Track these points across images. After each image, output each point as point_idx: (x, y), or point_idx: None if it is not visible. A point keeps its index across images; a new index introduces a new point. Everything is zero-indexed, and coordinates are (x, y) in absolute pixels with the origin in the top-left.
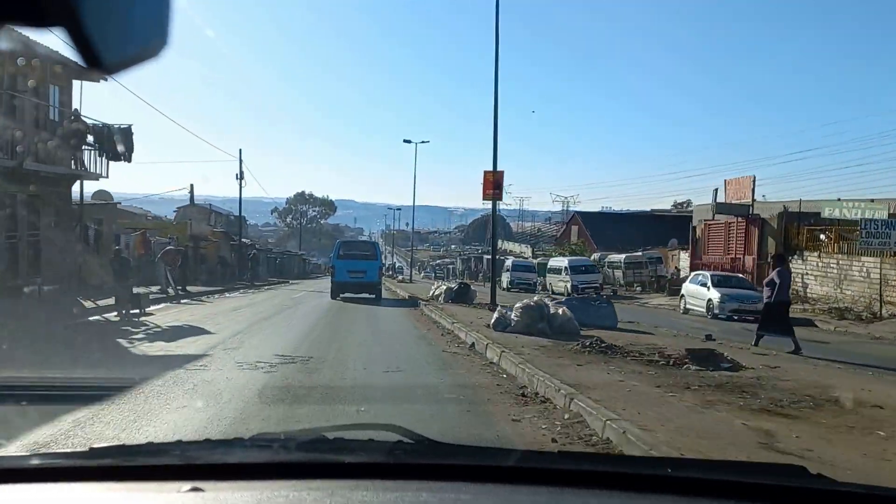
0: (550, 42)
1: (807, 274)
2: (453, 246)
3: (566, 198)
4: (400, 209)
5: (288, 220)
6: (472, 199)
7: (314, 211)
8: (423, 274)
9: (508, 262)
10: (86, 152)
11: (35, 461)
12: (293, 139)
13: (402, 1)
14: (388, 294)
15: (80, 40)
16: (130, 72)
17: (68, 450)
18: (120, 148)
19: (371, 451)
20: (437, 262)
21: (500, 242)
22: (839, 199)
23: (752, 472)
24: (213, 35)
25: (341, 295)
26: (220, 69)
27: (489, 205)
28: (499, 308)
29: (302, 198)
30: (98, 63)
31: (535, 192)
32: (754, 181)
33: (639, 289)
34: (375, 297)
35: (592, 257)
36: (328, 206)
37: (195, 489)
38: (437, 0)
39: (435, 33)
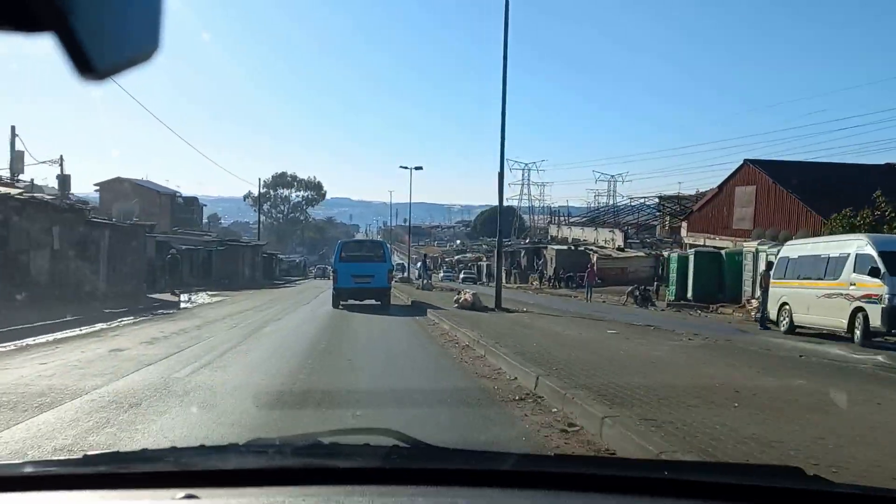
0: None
1: None
2: (458, 241)
3: (612, 176)
4: (420, 167)
5: (265, 207)
6: (468, 196)
7: (298, 196)
8: (441, 275)
9: (789, 250)
10: None
11: (28, 469)
12: (287, 137)
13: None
14: None
15: (71, 46)
16: (122, 76)
17: (62, 457)
18: None
19: (367, 456)
20: (457, 257)
21: (554, 229)
22: None
23: (749, 473)
24: (197, 31)
25: (342, 303)
26: (207, 70)
27: (490, 201)
28: None
29: (283, 179)
30: (90, 69)
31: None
32: None
33: None
34: (382, 303)
35: None
36: (316, 189)
37: (190, 496)
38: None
39: (426, 37)
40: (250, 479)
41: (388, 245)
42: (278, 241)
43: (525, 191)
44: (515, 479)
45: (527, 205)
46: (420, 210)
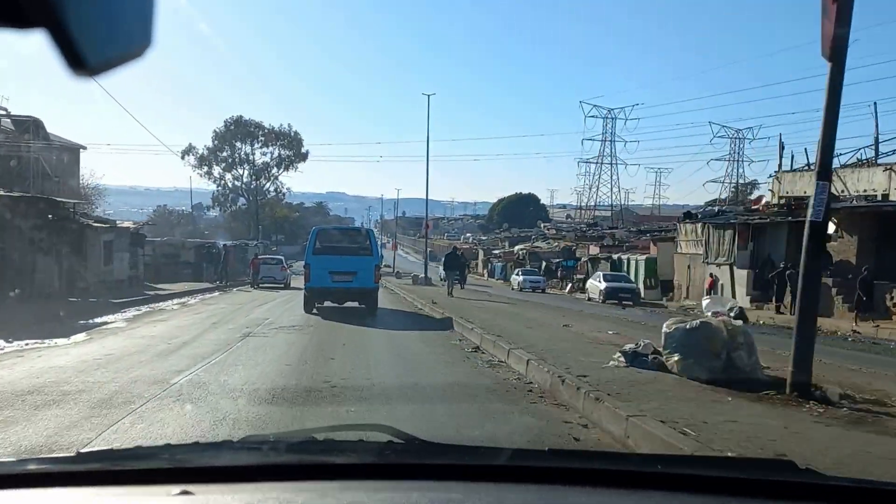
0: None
1: None
2: (469, 234)
3: (739, 131)
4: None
5: (216, 173)
6: (467, 193)
7: (265, 155)
8: (520, 280)
9: None
10: None
11: (21, 466)
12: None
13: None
14: None
15: (63, 42)
16: (114, 73)
17: (55, 454)
18: None
19: (361, 452)
20: (518, 247)
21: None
22: None
23: (742, 467)
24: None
25: (317, 305)
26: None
27: (490, 198)
28: None
29: (242, 129)
30: (82, 65)
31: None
32: None
33: None
34: (367, 307)
35: None
36: (292, 146)
37: (184, 492)
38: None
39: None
40: (245, 474)
41: (376, 234)
42: (234, 221)
43: (608, 149)
44: (509, 474)
45: (608, 165)
46: (419, 205)
